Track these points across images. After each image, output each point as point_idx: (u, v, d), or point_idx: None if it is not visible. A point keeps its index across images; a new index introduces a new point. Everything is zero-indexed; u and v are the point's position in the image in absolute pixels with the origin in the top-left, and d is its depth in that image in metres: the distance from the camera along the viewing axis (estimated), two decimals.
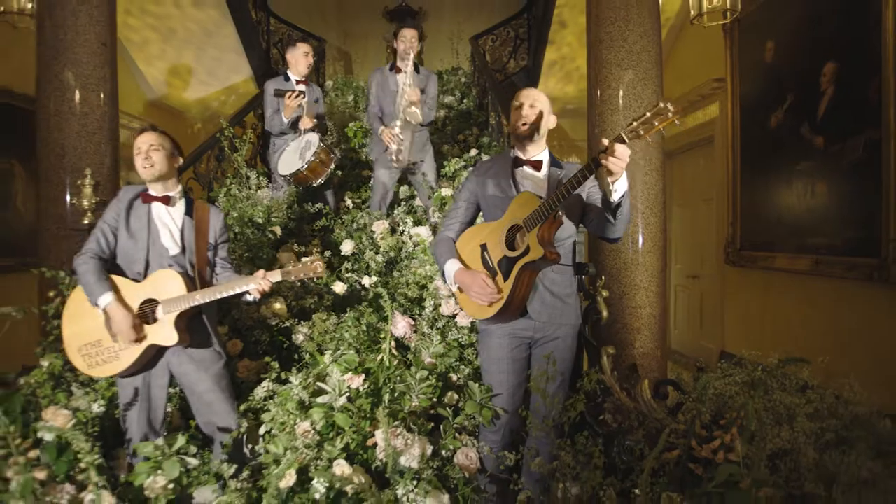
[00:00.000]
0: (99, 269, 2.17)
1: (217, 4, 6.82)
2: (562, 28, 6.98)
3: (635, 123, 1.72)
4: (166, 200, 2.27)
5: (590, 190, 2.19)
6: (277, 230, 3.42)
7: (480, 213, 2.44)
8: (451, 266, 2.24)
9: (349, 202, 4.08)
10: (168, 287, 2.15)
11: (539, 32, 7.22)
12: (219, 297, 2.15)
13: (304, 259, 2.20)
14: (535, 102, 2.22)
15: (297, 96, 3.92)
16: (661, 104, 1.68)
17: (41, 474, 1.77)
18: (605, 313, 2.26)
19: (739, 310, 5.24)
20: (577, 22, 6.81)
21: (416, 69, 3.96)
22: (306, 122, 3.96)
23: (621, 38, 3.05)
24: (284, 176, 3.80)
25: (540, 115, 2.22)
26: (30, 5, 4.16)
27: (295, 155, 3.84)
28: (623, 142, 1.76)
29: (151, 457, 1.88)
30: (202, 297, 2.12)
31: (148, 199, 2.27)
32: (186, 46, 7.29)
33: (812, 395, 1.88)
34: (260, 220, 3.39)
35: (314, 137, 3.87)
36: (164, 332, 2.11)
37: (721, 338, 5.51)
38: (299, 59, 4.14)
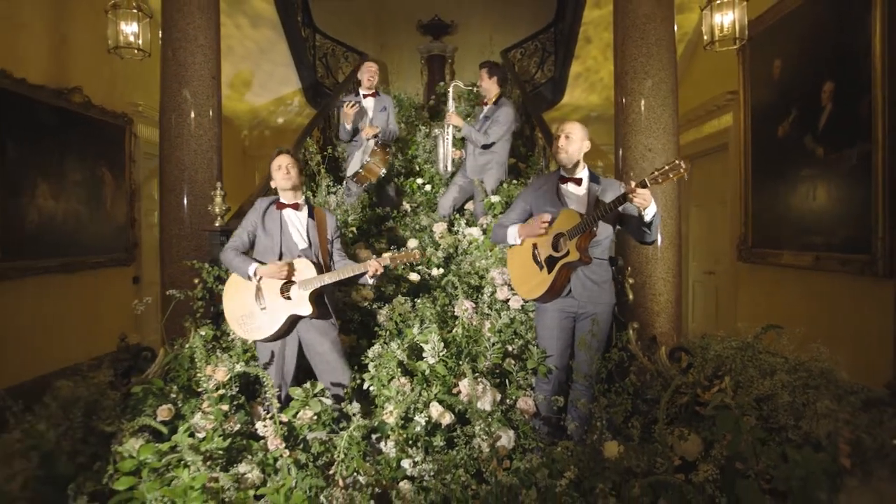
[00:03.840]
0: (240, 255, 2.89)
1: (272, 25, 7.52)
2: (587, 43, 7.52)
3: (656, 173, 2.39)
4: (296, 207, 2.99)
5: (626, 205, 2.82)
6: (354, 230, 4.11)
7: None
8: (513, 229, 2.95)
9: (407, 206, 4.74)
10: (304, 271, 2.85)
11: (566, 47, 7.72)
12: (342, 278, 2.86)
13: (406, 248, 2.91)
14: (570, 134, 2.84)
15: (353, 105, 4.60)
16: (676, 161, 2.32)
17: (225, 406, 2.46)
18: (631, 296, 2.92)
19: (751, 302, 5.64)
20: (601, 38, 7.35)
21: (497, 101, 4.61)
22: (368, 132, 4.63)
23: (643, 71, 3.68)
24: (349, 177, 4.50)
25: (574, 146, 2.84)
26: (132, 38, 4.86)
27: (358, 159, 4.53)
28: (645, 186, 2.41)
29: (299, 397, 2.57)
30: (330, 278, 2.82)
31: (281, 206, 2.98)
32: (243, 62, 7.97)
33: (790, 356, 2.49)
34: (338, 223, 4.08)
35: (371, 144, 4.53)
36: (301, 305, 2.81)
37: (745, 331, 5.96)
38: (365, 76, 4.84)
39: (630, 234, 2.89)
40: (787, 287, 5.03)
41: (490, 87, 4.60)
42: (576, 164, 2.89)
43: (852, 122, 4.15)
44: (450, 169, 4.80)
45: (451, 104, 4.69)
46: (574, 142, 2.84)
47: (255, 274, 2.82)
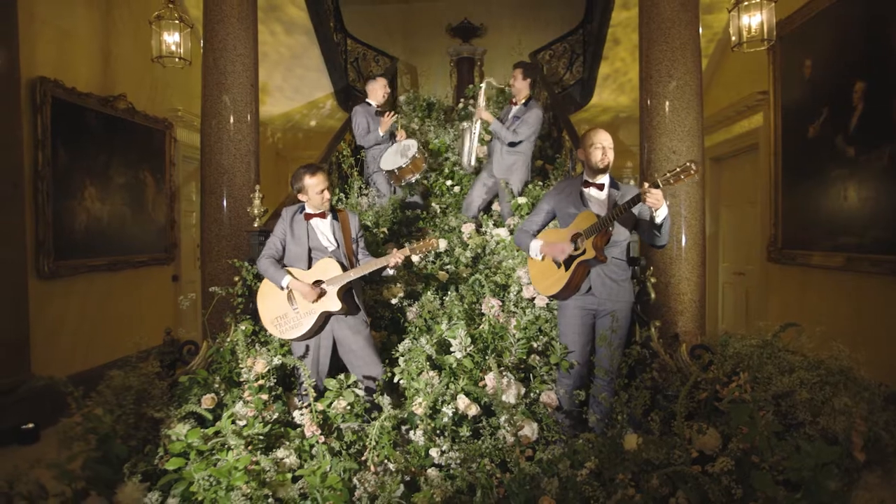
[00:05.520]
0: (275, 264, 3.05)
1: (306, 31, 7.72)
2: (615, 45, 7.55)
3: (668, 175, 2.50)
4: (322, 216, 3.13)
5: (641, 208, 2.92)
6: (385, 230, 4.26)
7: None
8: (536, 243, 3.08)
9: (437, 207, 4.88)
10: (330, 270, 3.01)
11: (594, 48, 7.76)
12: (366, 272, 3.02)
13: (426, 238, 3.06)
14: (611, 146, 2.98)
15: (392, 115, 4.82)
16: (688, 163, 2.42)
17: (265, 396, 2.63)
18: (653, 295, 3.01)
19: (781, 303, 5.61)
20: (629, 39, 7.36)
21: (526, 103, 4.70)
22: (402, 135, 4.86)
23: (668, 75, 3.75)
24: (389, 170, 4.64)
25: (612, 154, 2.97)
26: (174, 48, 5.10)
27: (396, 155, 4.68)
28: (658, 187, 2.51)
29: (333, 388, 2.72)
30: (355, 273, 2.99)
31: (308, 217, 3.14)
32: (276, 67, 8.20)
33: (811, 354, 2.54)
34: (370, 223, 4.25)
35: (412, 142, 4.71)
36: (330, 302, 2.97)
37: (765, 329, 5.94)
38: (377, 90, 5.03)
39: (643, 237, 2.99)
40: (818, 288, 5.01)
41: (522, 88, 4.70)
42: (604, 171, 3.00)
43: (884, 122, 4.13)
44: (473, 164, 4.92)
45: (481, 100, 4.81)
46: (612, 151, 2.98)
47: (287, 286, 2.99)
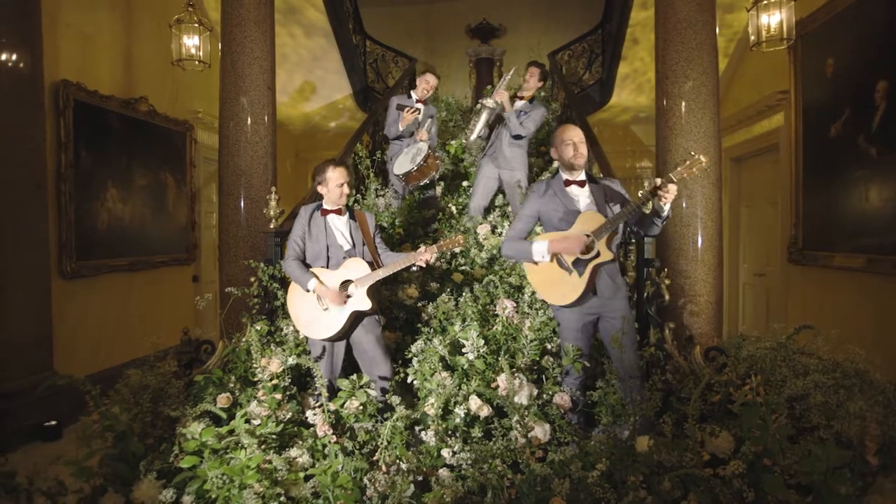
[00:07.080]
0: (301, 266, 3.09)
1: (325, 34, 7.78)
2: (634, 44, 7.49)
3: (679, 169, 2.48)
4: (339, 212, 3.17)
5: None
6: (401, 231, 4.29)
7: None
8: (540, 244, 2.87)
9: (453, 208, 4.89)
10: (359, 269, 3.04)
11: (613, 48, 7.72)
12: (396, 270, 3.04)
13: (453, 236, 3.07)
14: (583, 139, 2.94)
15: (413, 111, 4.83)
16: (696, 155, 2.42)
17: (279, 395, 2.67)
18: (667, 296, 2.97)
19: (801, 304, 5.55)
20: (648, 39, 7.29)
21: (531, 100, 4.76)
22: (422, 135, 4.86)
23: (684, 75, 3.71)
24: (398, 175, 4.68)
25: (586, 148, 2.94)
26: (193, 51, 5.18)
27: (407, 159, 4.72)
28: (673, 182, 2.51)
29: (346, 388, 2.75)
30: (384, 273, 3.02)
31: (325, 212, 3.18)
32: (296, 69, 8.29)
33: (827, 357, 2.51)
34: (386, 224, 4.28)
35: (424, 146, 4.73)
36: (361, 301, 3.00)
37: (780, 331, 5.87)
38: (419, 84, 5.05)
39: (639, 230, 2.95)
40: (839, 289, 4.95)
41: (533, 87, 4.76)
42: (579, 167, 2.96)
43: None
44: (472, 138, 4.94)
45: (503, 83, 4.81)
46: (584, 145, 2.94)
47: (312, 290, 3.02)
